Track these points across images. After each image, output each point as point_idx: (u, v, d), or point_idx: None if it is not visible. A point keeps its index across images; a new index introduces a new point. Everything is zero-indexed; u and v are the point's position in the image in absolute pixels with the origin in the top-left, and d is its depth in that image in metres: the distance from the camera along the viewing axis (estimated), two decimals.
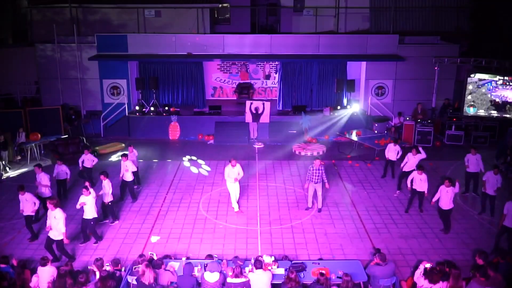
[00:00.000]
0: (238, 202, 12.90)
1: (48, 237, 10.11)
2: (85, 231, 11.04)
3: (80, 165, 14.03)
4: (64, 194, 13.32)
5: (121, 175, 13.07)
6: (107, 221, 12.03)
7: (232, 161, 12.45)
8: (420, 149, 13.58)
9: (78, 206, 10.78)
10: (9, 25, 25.01)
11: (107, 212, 12.07)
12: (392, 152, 14.50)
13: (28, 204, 10.94)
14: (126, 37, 20.10)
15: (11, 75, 21.25)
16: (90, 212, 10.80)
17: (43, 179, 11.98)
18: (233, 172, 12.40)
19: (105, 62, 19.84)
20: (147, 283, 8.14)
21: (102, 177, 11.78)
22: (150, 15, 22.76)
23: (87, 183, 11.42)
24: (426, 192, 12.19)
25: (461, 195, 13.30)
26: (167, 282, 8.54)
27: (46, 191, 11.94)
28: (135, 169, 13.41)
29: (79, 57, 20.14)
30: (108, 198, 11.80)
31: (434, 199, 11.57)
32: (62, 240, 10.09)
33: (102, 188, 11.74)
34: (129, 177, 13.08)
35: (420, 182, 12.18)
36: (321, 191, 12.53)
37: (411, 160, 13.41)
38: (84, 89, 20.47)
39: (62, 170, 13.05)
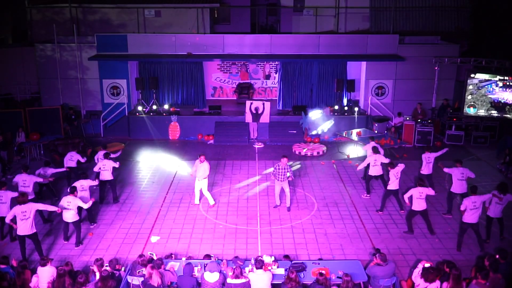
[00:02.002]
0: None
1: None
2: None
3: (65, 164, 13.87)
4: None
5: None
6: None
7: (201, 157, 12.73)
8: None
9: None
10: (9, 25, 25.01)
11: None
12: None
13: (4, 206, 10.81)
14: (126, 37, 20.08)
15: (11, 75, 21.25)
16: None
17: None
18: (200, 168, 12.54)
19: (105, 62, 19.82)
20: (156, 285, 8.14)
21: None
22: (150, 15, 22.77)
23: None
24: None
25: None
26: (167, 282, 8.54)
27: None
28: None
29: (79, 57, 20.13)
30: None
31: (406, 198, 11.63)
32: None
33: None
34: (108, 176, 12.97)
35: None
36: (288, 189, 12.57)
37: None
38: (84, 89, 20.46)
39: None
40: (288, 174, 12.34)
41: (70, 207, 10.69)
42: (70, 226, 11.07)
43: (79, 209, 10.97)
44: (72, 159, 13.93)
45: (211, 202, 12.94)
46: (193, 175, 12.91)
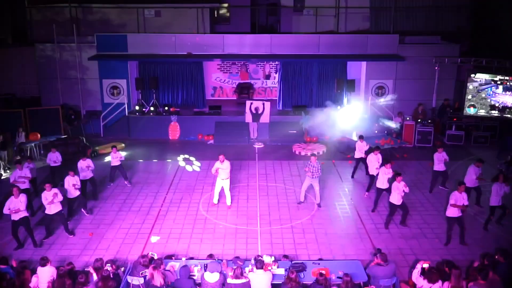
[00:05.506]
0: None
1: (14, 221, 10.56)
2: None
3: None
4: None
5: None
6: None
7: (220, 156, 12.60)
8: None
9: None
10: (9, 25, 24.98)
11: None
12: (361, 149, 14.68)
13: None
14: (126, 37, 20.08)
15: (11, 75, 21.23)
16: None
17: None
18: (221, 168, 12.49)
19: (105, 62, 19.82)
20: (159, 284, 8.14)
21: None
22: (150, 15, 22.74)
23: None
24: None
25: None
26: (167, 282, 8.52)
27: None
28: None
29: (78, 57, 20.13)
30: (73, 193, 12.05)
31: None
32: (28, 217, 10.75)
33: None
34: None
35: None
36: (318, 187, 12.72)
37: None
38: (84, 89, 20.45)
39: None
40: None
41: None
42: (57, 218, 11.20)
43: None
44: (56, 160, 13.92)
45: (229, 202, 12.89)
46: (216, 174, 12.69)
